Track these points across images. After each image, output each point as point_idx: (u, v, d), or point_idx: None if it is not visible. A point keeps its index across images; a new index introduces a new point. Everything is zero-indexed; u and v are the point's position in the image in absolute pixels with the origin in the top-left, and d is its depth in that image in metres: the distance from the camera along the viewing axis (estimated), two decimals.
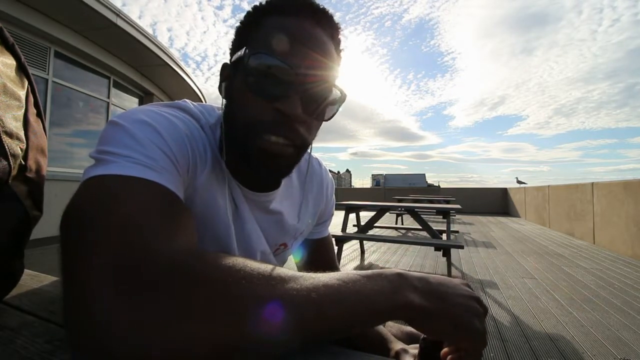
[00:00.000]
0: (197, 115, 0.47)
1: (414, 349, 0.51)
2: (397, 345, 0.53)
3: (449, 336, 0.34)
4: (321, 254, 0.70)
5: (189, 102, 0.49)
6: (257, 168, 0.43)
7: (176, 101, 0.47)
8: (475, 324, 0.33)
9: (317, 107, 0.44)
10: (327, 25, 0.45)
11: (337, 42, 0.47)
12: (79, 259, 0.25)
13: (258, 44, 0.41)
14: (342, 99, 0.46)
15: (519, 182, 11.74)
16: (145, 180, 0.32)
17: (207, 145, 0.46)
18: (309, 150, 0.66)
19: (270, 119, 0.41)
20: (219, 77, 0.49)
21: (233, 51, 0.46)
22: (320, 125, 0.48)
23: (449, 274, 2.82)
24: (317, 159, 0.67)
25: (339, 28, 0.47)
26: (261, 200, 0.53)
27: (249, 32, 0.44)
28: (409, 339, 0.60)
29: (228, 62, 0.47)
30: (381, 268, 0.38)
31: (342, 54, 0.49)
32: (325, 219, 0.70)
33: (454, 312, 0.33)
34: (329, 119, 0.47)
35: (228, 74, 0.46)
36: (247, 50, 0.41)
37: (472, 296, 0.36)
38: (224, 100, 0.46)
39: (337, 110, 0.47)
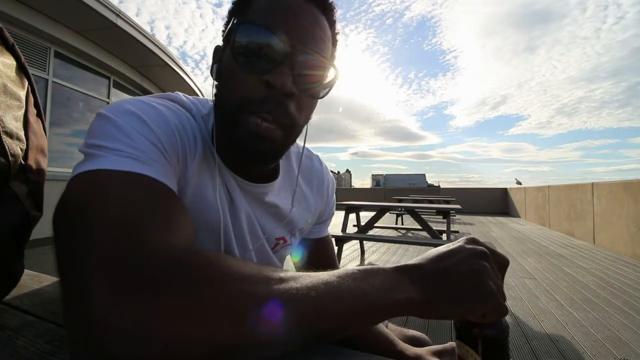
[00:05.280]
0: (188, 106, 0.46)
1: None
2: (403, 346, 0.53)
3: (460, 315, 0.32)
4: (321, 254, 0.69)
5: (181, 94, 0.48)
6: (245, 152, 0.42)
7: (168, 93, 0.46)
8: (484, 287, 0.31)
9: (308, 81, 0.42)
10: (321, 2, 0.43)
11: (331, 21, 0.45)
12: (75, 257, 0.25)
13: (247, 17, 0.40)
14: (336, 76, 0.44)
15: (518, 182, 11.79)
16: (135, 174, 0.31)
17: (198, 134, 0.45)
18: (311, 149, 0.65)
19: (258, 94, 0.39)
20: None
21: (224, 31, 0.45)
22: (314, 105, 0.46)
23: None
24: (318, 156, 0.66)
25: (334, 8, 0.46)
26: (256, 191, 0.51)
27: (239, 9, 0.43)
28: (411, 342, 0.59)
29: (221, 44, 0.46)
30: None
31: (338, 37, 0.47)
32: (325, 218, 0.69)
33: (457, 289, 0.31)
34: (323, 96, 0.45)
35: (220, 56, 0.45)
36: (234, 21, 0.40)
37: (477, 254, 0.33)
38: (215, 82, 0.45)
39: (330, 88, 0.45)
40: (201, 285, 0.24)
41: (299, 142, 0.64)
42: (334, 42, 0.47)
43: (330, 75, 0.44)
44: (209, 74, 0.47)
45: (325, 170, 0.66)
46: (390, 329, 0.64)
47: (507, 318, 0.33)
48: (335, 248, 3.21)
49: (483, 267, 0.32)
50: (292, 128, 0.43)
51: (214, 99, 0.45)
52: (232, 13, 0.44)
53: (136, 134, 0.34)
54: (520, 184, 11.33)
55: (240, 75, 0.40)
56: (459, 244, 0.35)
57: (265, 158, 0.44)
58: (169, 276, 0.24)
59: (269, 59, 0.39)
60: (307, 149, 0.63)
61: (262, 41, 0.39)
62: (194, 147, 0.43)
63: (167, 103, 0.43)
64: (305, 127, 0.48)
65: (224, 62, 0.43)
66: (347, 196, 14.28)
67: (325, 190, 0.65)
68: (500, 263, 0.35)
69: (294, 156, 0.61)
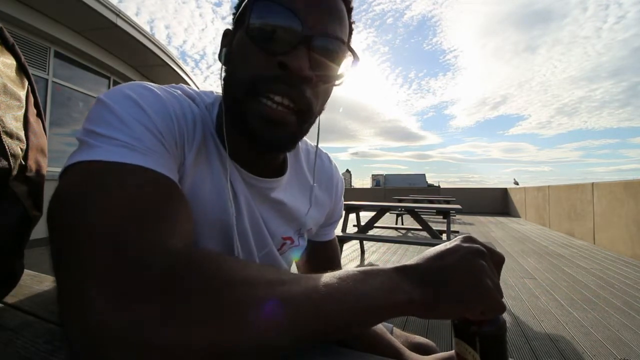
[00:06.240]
0: (191, 95, 0.45)
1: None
2: (408, 355, 0.52)
3: (459, 313, 0.32)
4: (327, 257, 0.65)
5: (184, 86, 0.47)
6: (255, 138, 0.39)
7: (171, 84, 0.45)
8: (482, 285, 0.31)
9: (326, 66, 0.39)
10: None
11: (348, 7, 0.44)
12: (71, 257, 0.24)
13: None
14: (354, 62, 0.42)
15: (515, 183, 11.93)
16: (132, 165, 0.30)
17: (198, 121, 0.43)
18: (320, 147, 0.61)
19: (272, 75, 0.37)
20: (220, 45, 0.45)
21: (235, 13, 0.43)
22: (329, 93, 0.44)
23: None
24: (327, 154, 0.63)
25: None
26: (262, 186, 0.48)
27: None
28: (417, 349, 0.59)
29: (230, 28, 0.44)
30: None
31: (353, 26, 0.45)
32: (333, 220, 0.65)
33: (456, 288, 0.31)
34: (339, 84, 0.43)
35: (230, 39, 0.43)
36: None
37: (474, 252, 0.33)
38: (224, 67, 0.43)
39: (347, 76, 0.43)
40: (202, 289, 0.24)
41: (310, 140, 0.61)
42: (350, 30, 0.45)
43: (347, 62, 0.42)
44: (211, 71, 0.46)
45: (334, 169, 0.63)
46: (396, 335, 0.62)
47: (507, 318, 0.33)
48: None
49: (480, 265, 0.32)
50: (307, 114, 0.41)
51: (222, 83, 0.43)
52: None
53: (133, 121, 0.33)
54: (517, 184, 11.47)
55: (254, 55, 0.38)
56: (456, 242, 0.35)
57: (277, 145, 0.41)
58: (170, 280, 0.23)
59: (286, 39, 0.37)
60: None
61: (280, 20, 0.37)
62: (193, 134, 0.41)
63: (169, 89, 0.42)
64: (318, 122, 0.46)
65: (236, 43, 0.41)
66: (347, 196, 14.26)
67: (335, 189, 0.62)
68: (496, 260, 0.35)
69: (303, 153, 0.58)
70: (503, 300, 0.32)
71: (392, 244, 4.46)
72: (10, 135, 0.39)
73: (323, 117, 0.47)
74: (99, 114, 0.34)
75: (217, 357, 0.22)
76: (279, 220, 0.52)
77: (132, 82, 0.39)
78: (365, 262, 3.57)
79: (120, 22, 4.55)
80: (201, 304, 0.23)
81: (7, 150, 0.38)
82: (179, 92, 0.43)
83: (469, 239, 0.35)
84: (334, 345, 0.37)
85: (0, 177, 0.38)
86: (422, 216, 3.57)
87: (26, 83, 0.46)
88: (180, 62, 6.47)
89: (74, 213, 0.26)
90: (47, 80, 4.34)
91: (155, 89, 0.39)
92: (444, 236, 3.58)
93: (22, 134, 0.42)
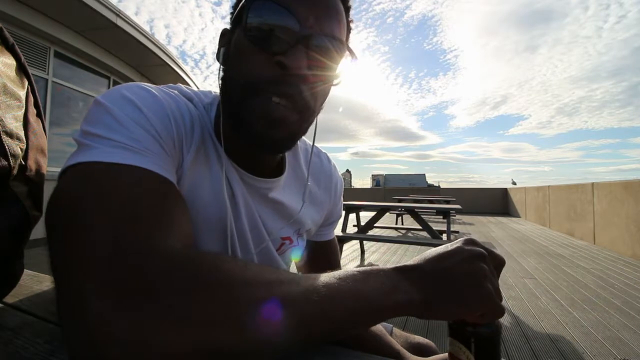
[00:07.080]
0: (188, 95, 0.45)
1: None
2: (407, 356, 0.52)
3: (458, 315, 0.32)
4: (326, 257, 0.65)
5: (182, 86, 0.47)
6: (255, 138, 0.39)
7: (169, 84, 0.45)
8: (482, 288, 0.31)
9: (324, 65, 0.39)
10: None
11: (346, 7, 0.43)
12: (69, 258, 0.24)
13: None
14: (352, 62, 0.42)
15: (513, 182, 12.02)
16: (131, 166, 0.30)
17: (196, 121, 0.43)
18: (319, 147, 0.62)
19: (270, 75, 0.37)
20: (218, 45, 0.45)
21: (233, 12, 0.43)
22: (327, 93, 0.44)
23: None
24: (326, 154, 0.63)
25: None
26: (260, 186, 0.48)
27: None
28: (416, 350, 0.59)
29: (228, 28, 0.44)
30: None
31: (351, 25, 0.45)
32: (332, 220, 0.65)
33: (456, 290, 0.31)
34: (338, 83, 0.43)
35: (228, 39, 0.43)
36: None
37: (476, 255, 0.33)
38: (222, 66, 0.43)
39: (346, 76, 0.43)
40: (202, 291, 0.23)
41: (307, 139, 0.61)
42: (348, 30, 0.45)
43: (345, 61, 0.42)
44: (211, 70, 0.45)
45: (333, 169, 0.63)
46: (396, 335, 0.62)
47: (507, 318, 0.34)
48: None
49: (481, 269, 0.33)
50: (306, 113, 0.41)
51: (220, 83, 0.43)
52: None
53: (131, 122, 0.33)
54: (515, 184, 11.54)
55: (252, 55, 0.38)
56: (458, 245, 0.35)
57: (278, 144, 0.41)
58: (169, 281, 0.23)
59: (284, 39, 0.37)
60: (316, 146, 0.60)
61: (278, 19, 0.37)
62: (191, 135, 0.41)
63: (166, 89, 0.42)
64: (315, 121, 0.46)
65: (234, 43, 0.41)
66: (347, 196, 14.27)
67: (334, 189, 0.62)
68: (497, 263, 0.35)
69: (302, 153, 0.58)
70: (502, 303, 0.33)
71: (392, 244, 4.46)
72: (10, 135, 0.39)
73: (323, 117, 0.47)
74: (97, 115, 0.34)
75: (215, 358, 0.22)
76: (278, 220, 0.52)
77: (130, 83, 0.39)
78: (365, 262, 3.57)
79: (120, 22, 4.55)
80: (200, 304, 0.23)
81: (7, 150, 0.38)
82: (176, 92, 0.43)
83: (470, 241, 0.35)
84: (333, 345, 0.37)
85: (0, 177, 0.38)
86: (422, 216, 3.57)
87: (26, 83, 0.46)
88: (180, 61, 6.48)
89: (72, 214, 0.26)
90: (47, 80, 4.34)
91: (153, 90, 0.39)
92: (444, 236, 3.58)
93: (22, 134, 0.42)
